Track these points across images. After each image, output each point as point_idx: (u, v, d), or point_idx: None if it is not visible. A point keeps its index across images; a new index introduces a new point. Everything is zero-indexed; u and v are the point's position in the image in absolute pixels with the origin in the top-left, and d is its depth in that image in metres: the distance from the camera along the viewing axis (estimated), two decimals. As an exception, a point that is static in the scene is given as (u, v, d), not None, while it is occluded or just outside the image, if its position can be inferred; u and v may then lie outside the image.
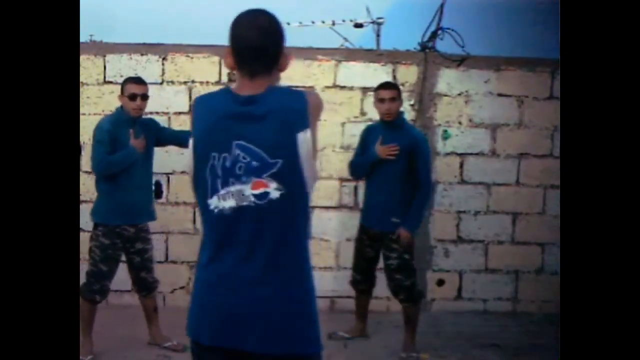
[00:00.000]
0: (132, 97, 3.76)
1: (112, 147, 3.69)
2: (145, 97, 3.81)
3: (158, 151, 4.05)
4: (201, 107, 1.78)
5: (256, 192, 1.66)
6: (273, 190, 1.66)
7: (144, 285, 3.98)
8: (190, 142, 1.75)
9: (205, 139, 1.72)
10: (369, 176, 4.09)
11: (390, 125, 3.97)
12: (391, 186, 3.93)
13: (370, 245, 4.09)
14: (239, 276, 1.70)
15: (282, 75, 1.82)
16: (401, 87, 4.29)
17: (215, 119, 1.72)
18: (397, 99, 3.96)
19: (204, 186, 1.73)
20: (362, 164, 4.07)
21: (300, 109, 1.69)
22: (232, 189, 1.68)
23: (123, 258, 3.93)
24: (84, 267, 4.26)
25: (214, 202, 1.71)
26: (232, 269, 1.71)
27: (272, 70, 1.75)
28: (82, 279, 3.73)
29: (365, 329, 4.38)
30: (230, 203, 1.69)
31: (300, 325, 1.72)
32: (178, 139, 3.97)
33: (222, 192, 1.69)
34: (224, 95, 1.76)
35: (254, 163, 1.66)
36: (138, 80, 3.87)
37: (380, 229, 3.98)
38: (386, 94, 3.95)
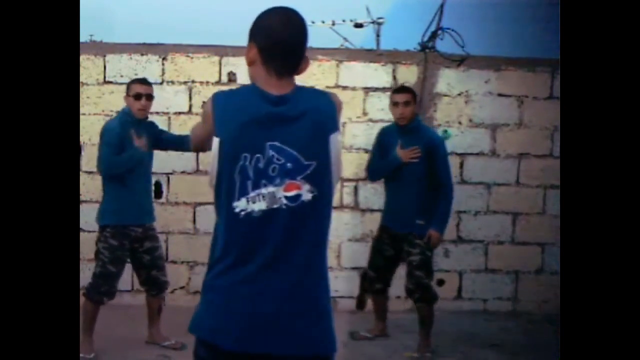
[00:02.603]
0: (137, 96, 3.78)
1: (119, 149, 3.71)
2: (150, 97, 3.84)
3: (158, 151, 4.05)
4: (227, 105, 1.70)
5: (289, 194, 1.64)
6: (305, 192, 1.64)
7: (155, 284, 3.98)
8: (216, 142, 1.67)
9: (236, 139, 1.65)
10: (388, 179, 4.12)
11: (406, 128, 3.99)
12: (412, 188, 3.94)
13: (390, 244, 4.09)
14: (268, 279, 1.66)
15: None
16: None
17: (247, 118, 1.65)
18: (411, 103, 3.97)
19: (229, 188, 1.66)
20: (384, 169, 4.09)
21: (331, 110, 1.69)
22: (264, 191, 1.64)
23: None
24: (84, 267, 4.27)
25: (241, 205, 1.65)
26: (261, 272, 1.66)
27: (297, 71, 1.73)
28: (83, 279, 3.74)
29: (385, 329, 4.39)
30: (260, 206, 1.64)
31: (325, 326, 1.73)
32: (177, 143, 3.98)
33: (252, 194, 1.64)
34: (252, 94, 1.70)
35: (289, 165, 1.63)
36: (143, 81, 3.90)
37: (404, 231, 3.99)
38: (400, 97, 3.98)
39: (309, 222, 1.67)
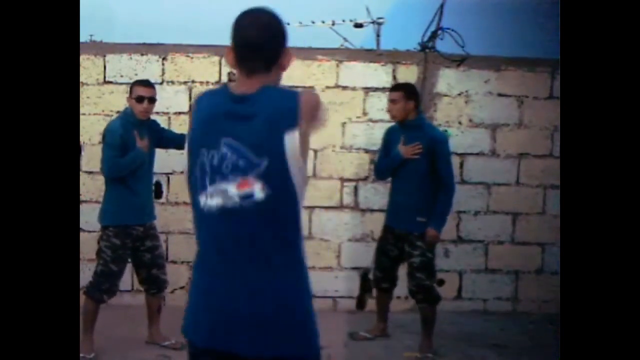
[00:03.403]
0: (139, 99, 3.78)
1: (122, 150, 3.71)
2: (152, 100, 3.84)
3: (158, 151, 4.06)
4: (200, 104, 1.78)
5: (241, 192, 1.64)
6: (258, 191, 1.63)
7: (155, 282, 3.99)
8: (188, 138, 1.76)
9: (197, 135, 1.73)
10: (392, 177, 4.13)
11: (408, 126, 4.00)
12: (414, 186, 3.95)
13: (394, 244, 4.09)
14: (231, 277, 1.68)
15: (283, 75, 1.82)
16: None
17: (209, 115, 1.72)
18: (397, 101, 3.98)
19: (194, 182, 1.72)
20: (388, 166, 4.10)
21: (289, 108, 1.66)
22: (218, 187, 1.67)
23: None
24: (84, 267, 4.27)
25: (202, 200, 1.70)
26: (224, 268, 1.69)
27: (271, 68, 1.74)
28: (83, 279, 3.74)
29: (386, 329, 4.37)
30: (216, 201, 1.67)
31: (292, 328, 1.69)
32: (179, 141, 3.99)
33: (210, 189, 1.68)
34: (221, 93, 1.77)
35: (241, 162, 1.64)
36: (146, 83, 3.89)
37: (405, 229, 3.99)
38: (390, 95, 4.06)
39: (266, 220, 1.66)
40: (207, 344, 1.71)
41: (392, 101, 4.00)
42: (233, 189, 1.65)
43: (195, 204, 1.74)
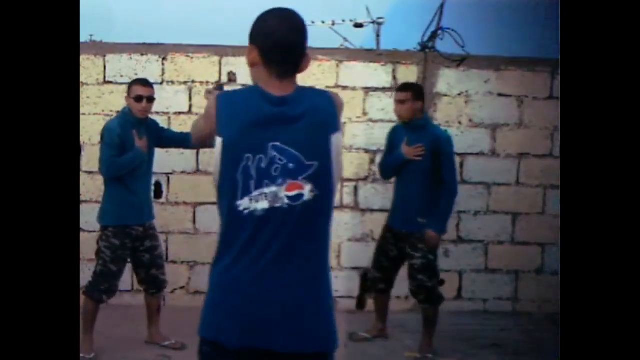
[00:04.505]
0: (138, 99, 3.78)
1: (120, 149, 3.71)
2: (151, 99, 3.84)
3: (158, 151, 4.06)
4: (230, 106, 1.73)
5: (291, 194, 1.66)
6: (307, 192, 1.67)
7: (154, 282, 3.99)
8: (219, 142, 1.69)
9: (238, 140, 1.68)
10: (396, 177, 4.12)
11: (412, 126, 3.98)
12: (416, 187, 3.94)
13: (394, 244, 4.08)
14: (270, 276, 1.68)
15: None
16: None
17: (249, 120, 1.68)
18: (407, 101, 3.95)
19: (232, 187, 1.69)
20: (390, 166, 4.09)
21: (331, 110, 1.71)
22: (266, 190, 1.67)
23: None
24: (84, 267, 4.27)
25: (244, 204, 1.68)
26: (264, 269, 1.68)
27: (299, 70, 1.76)
28: (83, 279, 3.74)
29: (385, 329, 4.37)
30: (262, 205, 1.67)
31: (327, 324, 1.75)
32: (178, 140, 4.00)
33: (255, 193, 1.67)
34: (254, 95, 1.72)
35: (291, 165, 1.66)
36: (144, 83, 3.89)
37: (406, 230, 3.98)
38: (397, 96, 4.01)
39: (310, 220, 1.70)
40: (241, 343, 1.69)
41: (400, 101, 3.96)
42: (283, 192, 1.67)
43: (230, 208, 1.70)
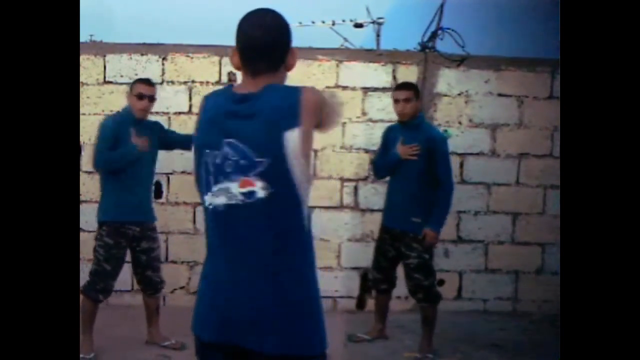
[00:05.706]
0: (140, 96, 3.79)
1: (114, 145, 3.71)
2: (152, 99, 3.85)
3: (159, 151, 4.05)
4: (205, 104, 1.81)
5: (243, 190, 1.66)
6: (259, 189, 1.65)
7: (150, 284, 3.99)
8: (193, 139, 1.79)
9: (201, 135, 1.75)
10: (390, 176, 4.13)
11: (408, 125, 3.99)
12: (411, 186, 3.94)
13: (391, 244, 4.08)
14: (233, 275, 1.71)
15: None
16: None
17: (212, 116, 1.74)
18: (411, 99, 3.96)
19: (199, 183, 1.77)
20: (385, 165, 4.10)
21: (290, 106, 1.64)
22: (222, 186, 1.69)
23: (128, 258, 3.94)
24: (85, 266, 4.28)
25: (208, 199, 1.73)
26: (226, 265, 1.72)
27: (277, 69, 1.75)
28: (83, 279, 3.74)
29: (384, 330, 4.36)
30: (221, 200, 1.70)
31: (299, 327, 1.69)
32: (183, 142, 3.99)
33: (215, 189, 1.71)
34: (224, 94, 1.78)
35: (242, 161, 1.66)
36: (148, 82, 3.91)
37: (401, 229, 3.98)
38: (400, 94, 3.99)
39: (269, 218, 1.67)
40: (213, 338, 1.74)
41: (405, 100, 3.94)
42: (236, 188, 1.67)
43: (202, 203, 1.77)
